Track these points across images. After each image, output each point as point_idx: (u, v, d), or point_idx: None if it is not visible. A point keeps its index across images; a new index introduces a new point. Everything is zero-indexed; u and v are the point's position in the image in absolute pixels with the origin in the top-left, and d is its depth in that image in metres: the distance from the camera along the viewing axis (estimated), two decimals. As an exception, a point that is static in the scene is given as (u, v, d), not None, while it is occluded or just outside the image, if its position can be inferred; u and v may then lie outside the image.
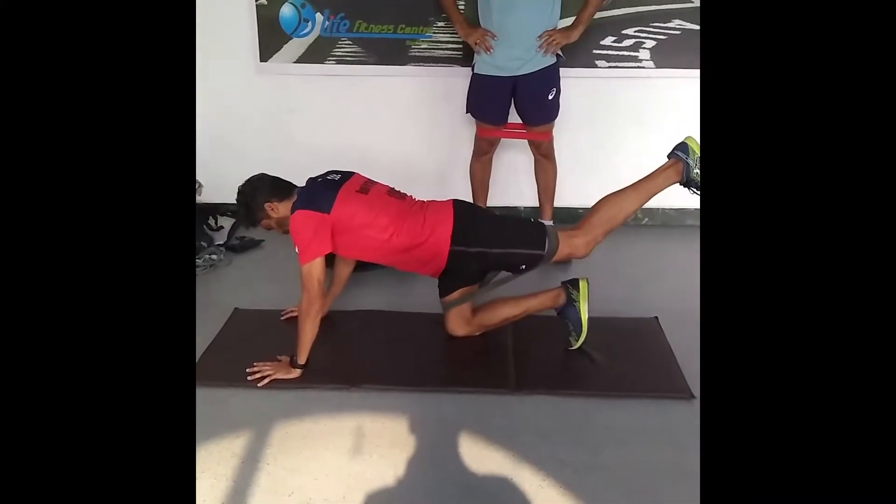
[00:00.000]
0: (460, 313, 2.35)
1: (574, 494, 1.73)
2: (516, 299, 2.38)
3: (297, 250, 2.14)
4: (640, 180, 2.32)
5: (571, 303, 2.30)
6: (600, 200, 2.33)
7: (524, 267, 2.28)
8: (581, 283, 2.30)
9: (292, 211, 2.17)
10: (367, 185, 2.27)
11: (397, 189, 2.35)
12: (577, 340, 2.30)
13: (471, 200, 3.02)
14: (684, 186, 2.30)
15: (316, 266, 2.12)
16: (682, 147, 2.27)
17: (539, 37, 2.75)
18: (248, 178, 2.34)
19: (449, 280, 2.32)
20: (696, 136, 2.20)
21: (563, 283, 2.36)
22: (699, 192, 2.24)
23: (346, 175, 2.27)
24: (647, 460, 1.85)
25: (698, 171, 2.23)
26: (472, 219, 2.30)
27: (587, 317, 2.28)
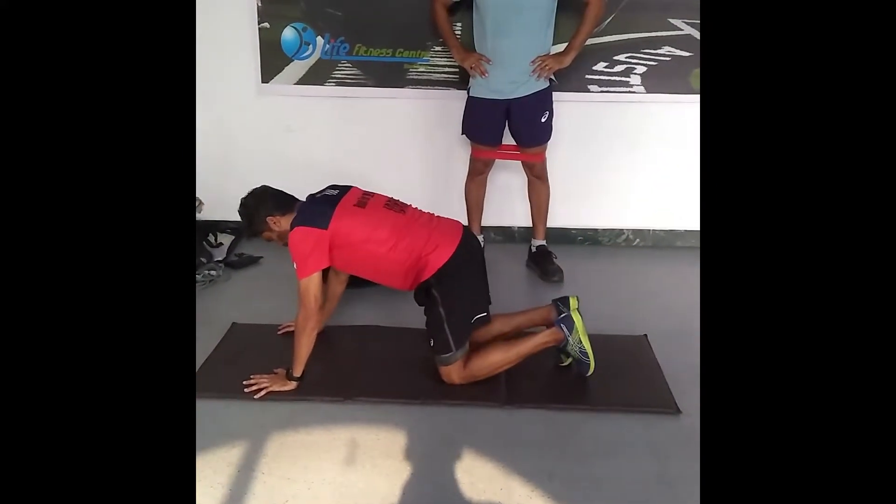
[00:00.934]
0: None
1: (562, 504, 1.78)
2: (507, 344, 2.31)
3: (294, 266, 2.19)
4: (520, 342, 2.28)
5: (567, 339, 2.33)
6: (488, 350, 2.26)
7: (431, 343, 2.23)
8: (576, 319, 2.29)
9: (291, 226, 2.22)
10: (365, 198, 2.29)
11: (396, 199, 2.35)
12: (567, 359, 2.35)
13: (465, 220, 3.09)
14: (562, 355, 2.34)
15: (313, 281, 2.17)
16: (568, 323, 2.26)
17: (532, 62, 2.83)
18: (251, 189, 2.39)
19: (432, 330, 2.24)
20: (577, 306, 2.33)
21: (554, 301, 2.42)
22: (568, 359, 2.33)
23: (344, 189, 2.31)
24: (633, 472, 1.90)
25: (573, 351, 2.26)
26: (462, 263, 2.24)
27: (591, 349, 2.26)
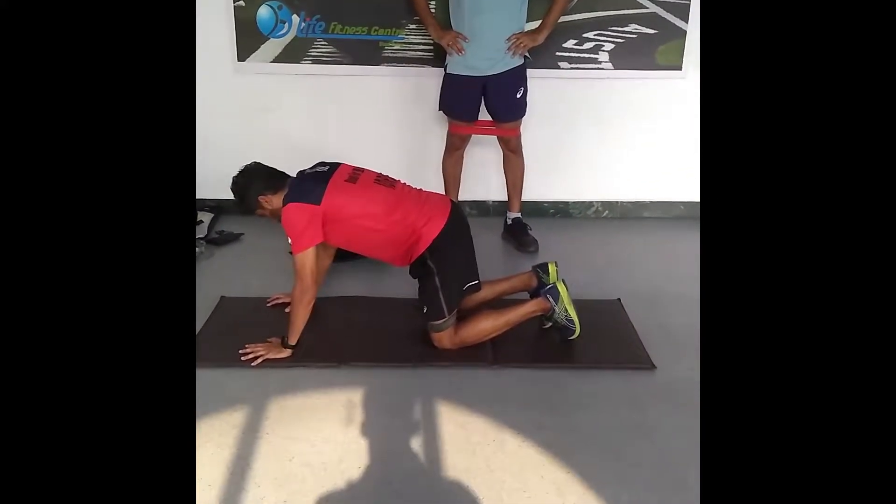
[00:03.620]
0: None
1: (551, 452, 1.91)
2: (495, 311, 2.41)
3: (289, 241, 2.26)
4: (508, 310, 2.39)
5: (543, 285, 2.48)
6: (478, 318, 2.37)
7: (425, 309, 2.34)
8: (560, 289, 2.40)
9: (284, 203, 2.27)
10: (356, 174, 2.35)
11: (385, 175, 2.42)
12: (550, 320, 2.48)
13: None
14: (547, 321, 2.44)
15: (308, 256, 2.24)
16: (554, 293, 2.38)
17: (507, 39, 2.93)
18: (242, 167, 2.44)
19: (426, 298, 2.33)
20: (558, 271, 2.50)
21: (533, 267, 2.55)
22: (553, 326, 2.43)
23: (334, 166, 2.37)
24: (615, 422, 2.05)
25: (560, 318, 2.37)
26: (455, 233, 2.34)
27: (577, 317, 2.39)
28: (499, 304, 2.51)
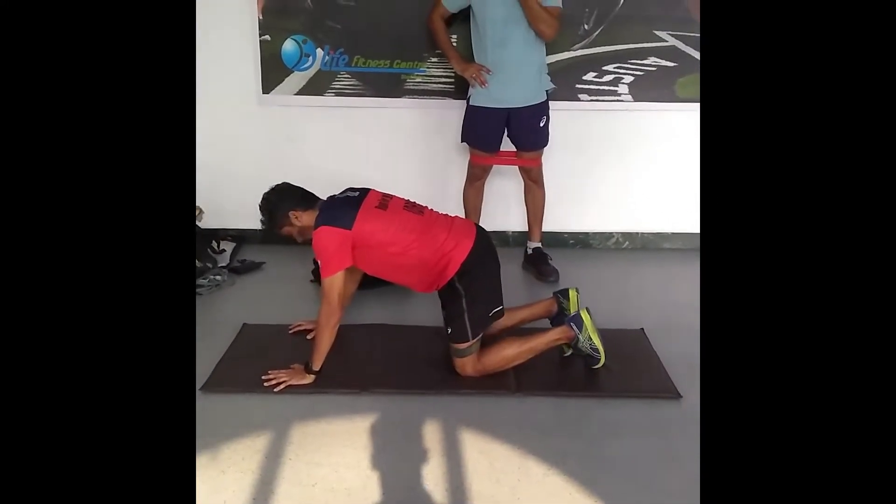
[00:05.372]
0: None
1: (578, 481, 1.88)
2: (518, 339, 2.40)
3: (312, 267, 2.27)
4: (533, 338, 2.38)
5: (563, 311, 2.48)
6: (501, 345, 2.36)
7: (449, 331, 2.32)
8: (584, 316, 2.39)
9: (315, 226, 2.28)
10: (385, 200, 2.36)
11: (413, 202, 2.44)
12: (569, 349, 2.46)
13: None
14: (569, 349, 2.45)
15: (337, 279, 2.25)
16: (578, 322, 2.37)
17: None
18: (273, 186, 2.48)
19: (452, 320, 2.32)
20: (587, 310, 2.41)
21: (554, 293, 2.54)
22: (578, 355, 2.42)
23: (364, 191, 2.38)
24: (642, 450, 2.02)
25: (584, 347, 2.37)
26: (481, 255, 2.34)
27: (601, 345, 2.37)
28: (522, 331, 2.50)
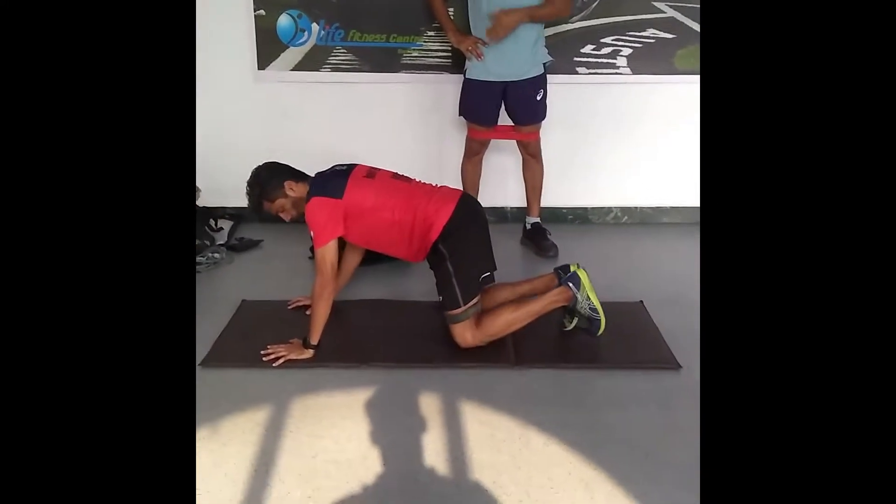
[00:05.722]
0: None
1: (578, 450, 1.88)
2: (517, 304, 2.41)
3: (311, 235, 2.27)
4: (530, 302, 2.39)
5: (576, 296, 2.45)
6: (498, 311, 2.35)
7: (441, 299, 2.33)
8: (581, 275, 2.40)
9: (307, 197, 2.31)
10: (373, 171, 2.42)
11: (401, 174, 2.49)
12: (571, 323, 2.46)
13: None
14: (567, 313, 2.44)
15: (329, 249, 2.26)
16: (575, 280, 2.37)
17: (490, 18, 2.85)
18: (261, 164, 2.49)
19: (442, 287, 2.33)
20: (585, 273, 2.41)
21: (555, 269, 2.53)
22: (580, 326, 2.42)
23: (351, 166, 2.43)
24: (642, 421, 2.02)
25: (583, 309, 2.37)
26: (466, 219, 2.36)
27: (599, 304, 2.39)
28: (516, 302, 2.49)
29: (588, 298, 2.36)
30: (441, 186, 2.47)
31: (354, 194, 2.31)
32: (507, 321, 2.34)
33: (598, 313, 2.37)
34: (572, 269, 2.43)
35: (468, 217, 2.38)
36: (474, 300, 2.32)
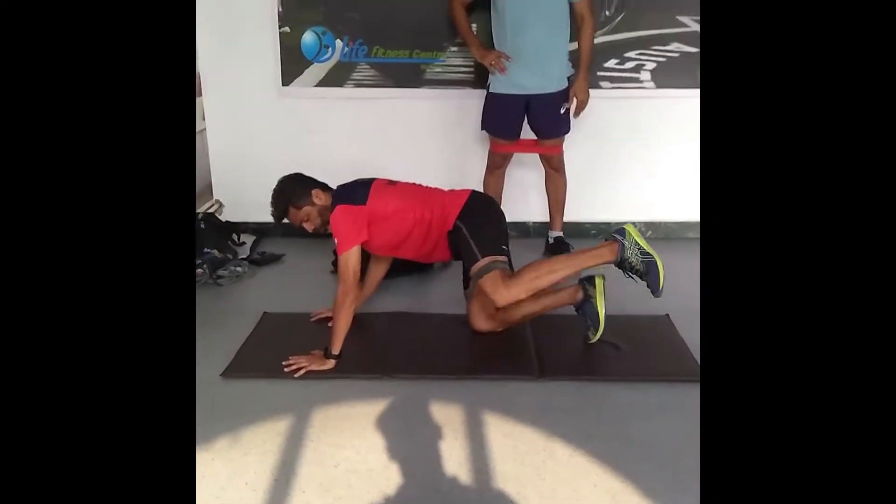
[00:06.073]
0: (483, 309, 2.47)
1: (604, 462, 1.84)
2: (536, 296, 2.50)
3: (335, 242, 2.29)
4: (576, 254, 2.41)
5: (588, 299, 2.44)
6: (538, 262, 2.39)
7: (465, 267, 2.40)
8: (597, 280, 2.44)
9: (332, 207, 2.36)
10: (393, 182, 2.53)
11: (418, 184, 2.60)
12: (595, 334, 2.43)
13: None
14: (618, 267, 2.36)
15: (353, 256, 2.28)
16: (621, 231, 2.34)
17: (565, 105, 3.04)
18: (285, 175, 2.55)
19: (462, 253, 2.41)
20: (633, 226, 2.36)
21: (580, 280, 2.50)
22: (634, 277, 2.34)
23: (372, 178, 2.52)
24: (670, 432, 1.97)
25: (633, 256, 2.29)
26: (480, 206, 2.50)
27: (604, 312, 2.41)
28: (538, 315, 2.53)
29: (637, 244, 2.29)
30: (456, 189, 2.57)
31: (377, 200, 2.38)
32: (546, 266, 2.36)
33: (651, 256, 2.28)
34: (598, 292, 2.42)
35: (484, 204, 2.52)
36: (497, 256, 2.34)
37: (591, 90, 3.31)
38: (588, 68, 3.02)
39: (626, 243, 2.30)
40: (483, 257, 2.33)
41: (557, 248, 3.27)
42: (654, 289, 2.30)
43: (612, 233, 2.37)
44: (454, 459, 1.87)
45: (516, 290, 2.31)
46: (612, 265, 2.36)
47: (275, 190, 2.46)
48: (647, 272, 2.30)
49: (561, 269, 2.34)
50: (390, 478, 1.79)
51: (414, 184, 2.57)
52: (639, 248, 2.29)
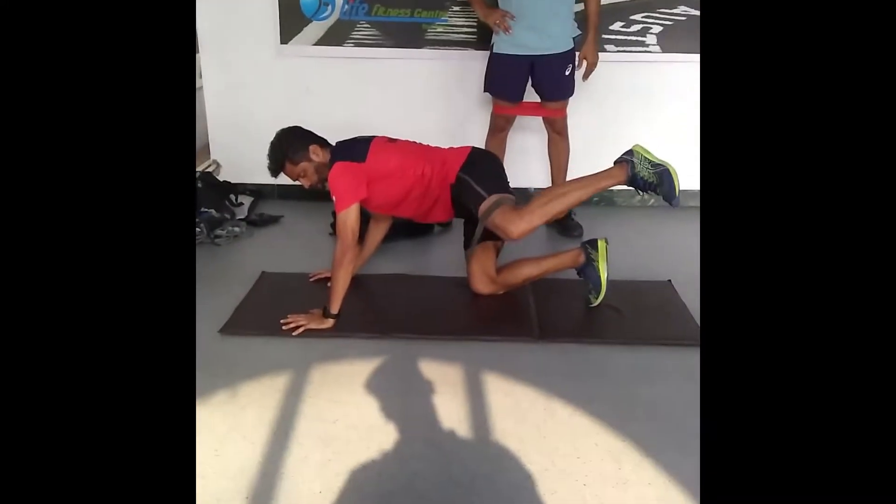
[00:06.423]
0: (484, 271, 2.45)
1: (605, 421, 1.83)
2: (537, 259, 2.49)
3: (334, 199, 2.24)
4: (586, 176, 2.30)
5: (591, 262, 2.41)
6: (547, 189, 2.36)
7: (473, 211, 2.31)
8: (600, 244, 2.41)
9: (330, 164, 2.30)
10: (394, 139, 2.46)
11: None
12: (597, 298, 2.41)
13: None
14: (630, 185, 2.27)
15: (351, 214, 2.23)
16: (629, 152, 2.26)
17: (579, 68, 3.00)
18: (285, 127, 2.46)
19: (467, 199, 2.34)
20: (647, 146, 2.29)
21: (583, 243, 2.47)
22: (646, 192, 2.26)
23: (373, 136, 2.45)
24: (671, 394, 1.96)
25: (644, 170, 2.21)
26: (482, 159, 2.47)
27: (606, 276, 2.39)
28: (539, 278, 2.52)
29: (646, 158, 2.21)
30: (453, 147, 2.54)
31: (377, 157, 2.32)
32: (557, 190, 2.38)
33: (663, 165, 2.19)
34: (601, 255, 2.40)
35: (486, 157, 2.49)
36: (504, 194, 2.30)
37: (596, 53, 3.27)
38: (596, 30, 2.96)
39: (636, 160, 2.21)
40: (490, 195, 2.27)
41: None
42: (670, 198, 2.20)
43: (619, 159, 2.27)
44: (454, 416, 1.85)
45: (531, 217, 2.21)
46: (625, 185, 2.28)
47: (272, 143, 2.40)
48: (661, 182, 2.19)
49: (572, 191, 2.27)
50: (390, 433, 1.77)
51: (415, 142, 2.51)
52: (649, 162, 2.20)
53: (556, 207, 2.26)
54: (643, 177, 2.21)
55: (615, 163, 2.28)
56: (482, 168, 2.40)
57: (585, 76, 3.02)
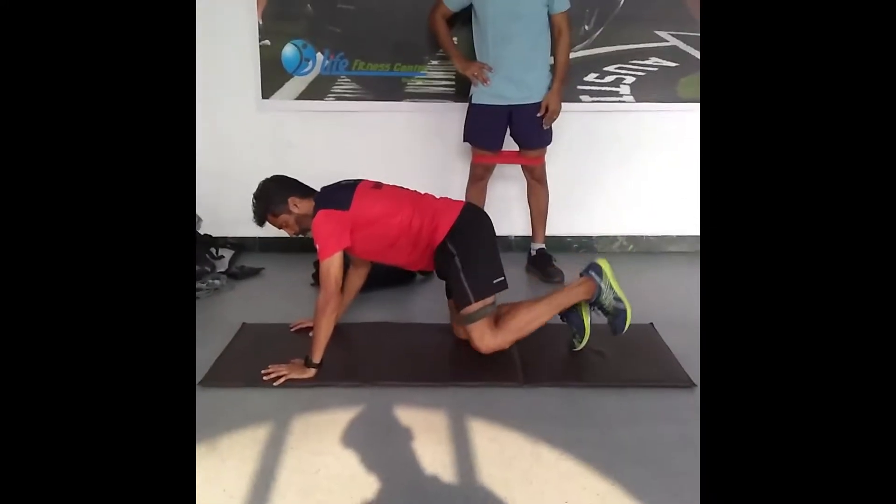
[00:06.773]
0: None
1: (592, 465, 1.80)
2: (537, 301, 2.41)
3: (317, 247, 2.23)
4: (552, 294, 2.39)
5: (574, 307, 2.41)
6: (516, 307, 2.37)
7: (455, 299, 2.33)
8: (602, 263, 2.41)
9: (313, 212, 2.29)
10: (379, 184, 2.43)
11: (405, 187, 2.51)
12: (581, 342, 2.40)
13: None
14: (592, 306, 2.38)
15: (334, 262, 2.22)
16: (598, 270, 2.37)
17: (538, 116, 3.01)
18: (269, 176, 2.48)
19: (452, 285, 2.33)
20: (608, 266, 2.40)
21: (585, 271, 2.44)
22: (600, 313, 2.38)
23: (358, 180, 2.43)
24: (657, 436, 1.94)
25: (607, 300, 2.34)
26: (473, 225, 2.39)
27: (590, 320, 2.38)
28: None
29: (612, 288, 2.33)
30: (446, 198, 2.48)
31: (362, 204, 2.31)
32: (528, 315, 2.33)
33: (622, 303, 2.32)
34: (608, 277, 2.39)
35: (476, 221, 2.39)
36: (488, 300, 2.29)
37: (571, 103, 3.34)
38: (563, 80, 3.01)
39: (603, 286, 2.35)
40: (475, 301, 2.26)
41: (539, 261, 3.25)
42: (617, 331, 2.36)
43: (587, 269, 2.39)
44: (439, 463, 1.82)
45: (504, 337, 2.32)
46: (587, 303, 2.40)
47: (254, 195, 2.41)
48: (616, 316, 2.36)
49: (543, 314, 2.35)
50: (373, 482, 1.74)
51: (403, 188, 2.48)
52: (613, 293, 2.35)
53: (531, 327, 2.35)
54: (605, 306, 2.36)
55: (582, 274, 2.40)
56: (471, 243, 2.33)
57: (547, 122, 3.03)
